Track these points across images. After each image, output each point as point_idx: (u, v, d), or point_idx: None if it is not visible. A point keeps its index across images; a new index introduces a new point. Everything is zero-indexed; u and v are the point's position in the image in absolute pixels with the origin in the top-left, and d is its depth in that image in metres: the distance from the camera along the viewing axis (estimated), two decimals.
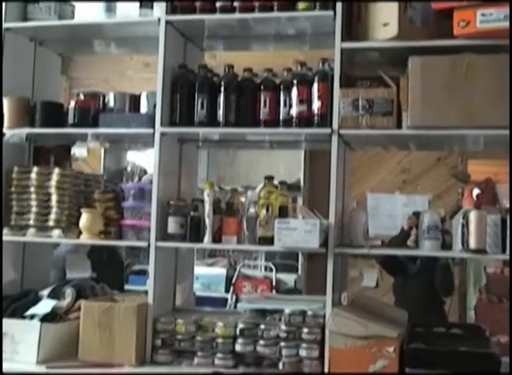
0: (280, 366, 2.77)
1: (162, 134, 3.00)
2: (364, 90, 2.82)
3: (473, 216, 2.69)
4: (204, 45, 3.42)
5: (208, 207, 2.90)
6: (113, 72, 6.47)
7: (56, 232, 3.10)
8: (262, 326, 2.82)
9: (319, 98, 2.86)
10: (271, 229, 2.79)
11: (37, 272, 3.41)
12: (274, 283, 6.09)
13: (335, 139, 2.82)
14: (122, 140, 3.55)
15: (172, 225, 2.94)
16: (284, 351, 2.77)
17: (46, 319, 2.86)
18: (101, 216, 3.10)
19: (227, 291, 6.07)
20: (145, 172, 6.09)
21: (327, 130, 2.83)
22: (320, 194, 3.50)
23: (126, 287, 4.81)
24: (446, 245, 2.82)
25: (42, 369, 2.75)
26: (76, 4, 3.22)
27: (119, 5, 3.13)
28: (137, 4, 3.09)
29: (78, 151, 3.53)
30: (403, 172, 6.49)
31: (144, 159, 6.24)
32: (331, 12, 2.84)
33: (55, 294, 3.02)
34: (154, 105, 3.02)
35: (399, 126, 2.78)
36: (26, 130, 3.16)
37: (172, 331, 2.89)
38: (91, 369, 2.77)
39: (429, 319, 4.13)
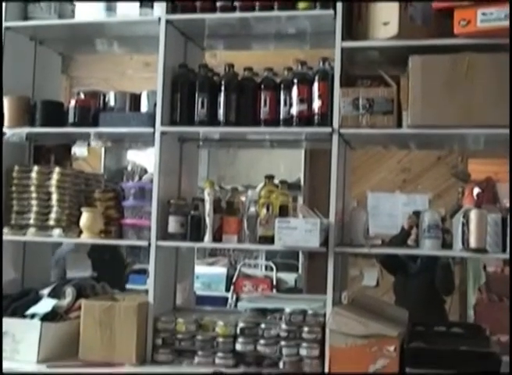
0: (281, 365, 2.77)
1: (163, 133, 3.00)
2: (365, 89, 2.82)
3: (473, 214, 2.69)
4: (205, 44, 3.42)
5: (208, 206, 2.90)
6: (113, 71, 6.48)
7: (57, 231, 3.10)
8: (263, 326, 2.82)
9: (319, 97, 2.86)
10: (271, 228, 2.79)
11: (38, 271, 3.41)
12: (274, 282, 6.09)
13: (335, 138, 2.82)
14: (122, 139, 3.55)
15: (173, 224, 2.95)
16: (284, 351, 2.77)
17: (46, 318, 2.86)
18: (102, 216, 3.10)
19: (227, 290, 6.07)
20: (145, 171, 6.09)
21: (327, 129, 2.83)
22: (320, 193, 3.50)
23: (127, 286, 4.81)
24: (447, 244, 2.82)
25: (43, 368, 2.75)
26: (77, 3, 3.21)
27: (119, 4, 3.13)
28: (138, 3, 3.08)
29: (78, 150, 3.53)
30: (404, 171, 6.50)
31: (145, 158, 6.24)
32: (331, 12, 2.84)
33: (55, 294, 3.03)
34: (155, 105, 3.02)
35: (399, 125, 2.78)
36: (26, 130, 3.16)
37: (173, 330, 2.89)
38: (92, 369, 2.77)
39: (430, 318, 4.13)
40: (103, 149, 6.41)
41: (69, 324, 2.92)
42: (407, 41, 2.75)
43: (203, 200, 2.94)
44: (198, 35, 3.26)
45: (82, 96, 3.25)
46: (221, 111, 2.95)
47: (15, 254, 3.29)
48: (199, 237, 2.92)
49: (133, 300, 3.02)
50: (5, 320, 2.85)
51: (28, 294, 3.09)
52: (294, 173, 6.39)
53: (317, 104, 2.86)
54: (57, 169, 3.15)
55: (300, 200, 6.11)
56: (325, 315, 2.77)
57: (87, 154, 6.27)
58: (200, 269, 5.40)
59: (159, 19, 3.01)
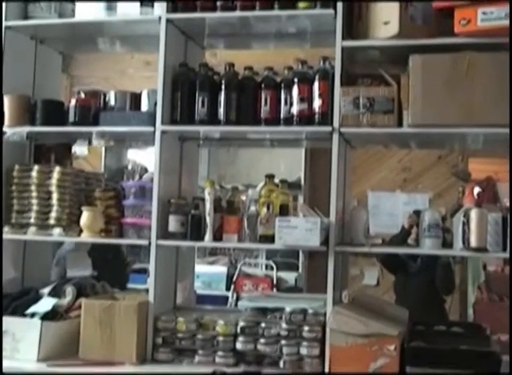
0: (281, 364, 2.77)
1: (163, 132, 3.00)
2: (365, 88, 2.82)
3: (474, 214, 2.68)
4: (205, 44, 3.42)
5: (208, 205, 2.90)
6: (114, 70, 6.48)
7: (57, 230, 3.10)
8: (263, 325, 2.82)
9: (320, 96, 2.86)
10: (271, 227, 2.79)
11: (38, 270, 3.42)
12: (275, 281, 6.09)
13: (335, 137, 2.82)
14: (122, 138, 3.54)
15: (173, 223, 2.95)
16: (285, 350, 2.77)
17: (47, 317, 2.86)
18: (102, 215, 3.10)
19: (228, 289, 6.07)
20: (146, 170, 6.09)
21: (328, 129, 2.83)
22: (321, 192, 3.50)
23: (127, 285, 4.81)
24: (447, 244, 2.82)
25: (43, 367, 2.75)
26: (77, 2, 3.21)
27: (119, 3, 3.13)
28: (138, 2, 3.08)
29: (79, 149, 3.53)
30: (404, 170, 6.50)
31: (145, 158, 6.24)
32: (332, 11, 2.84)
33: (55, 293, 3.03)
34: (155, 104, 3.02)
35: (399, 124, 2.78)
36: (26, 129, 3.16)
37: (173, 329, 2.89)
38: (92, 368, 2.77)
39: (430, 318, 4.13)
40: (103, 148, 6.41)
41: (69, 323, 2.92)
42: (408, 40, 2.75)
43: (203, 199, 2.94)
44: (198, 34, 3.26)
45: (82, 95, 3.24)
46: (221, 110, 2.95)
47: (15, 253, 3.29)
48: (199, 237, 2.92)
49: (133, 299, 3.02)
50: (6, 319, 2.85)
51: (28, 293, 3.09)
52: (295, 172, 6.39)
53: (317, 103, 2.86)
54: (57, 168, 3.15)
55: (301, 199, 6.11)
56: (325, 314, 2.77)
57: (88, 153, 6.27)
58: (200, 268, 5.40)
59: (160, 18, 3.01)
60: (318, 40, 3.21)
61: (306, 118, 2.88)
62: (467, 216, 2.69)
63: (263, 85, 2.95)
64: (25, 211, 3.16)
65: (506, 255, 2.65)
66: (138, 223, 3.05)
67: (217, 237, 2.91)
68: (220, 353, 2.82)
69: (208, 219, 2.89)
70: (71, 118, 3.12)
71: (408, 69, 2.75)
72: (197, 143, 3.40)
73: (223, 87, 2.95)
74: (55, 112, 3.18)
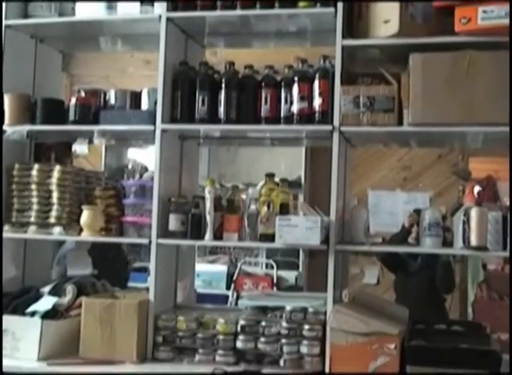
0: (281, 362, 2.77)
1: (163, 131, 3.00)
2: (365, 87, 2.82)
3: (474, 213, 2.68)
4: (205, 42, 3.42)
5: (208, 204, 2.90)
6: (114, 69, 6.48)
7: (57, 229, 3.10)
8: (263, 323, 2.82)
9: (320, 95, 2.86)
10: (272, 226, 2.79)
11: (38, 269, 3.42)
12: (275, 280, 6.09)
13: (336, 136, 2.82)
14: (123, 137, 3.54)
15: (173, 222, 2.95)
16: (285, 348, 2.77)
17: (47, 316, 2.86)
18: (102, 213, 3.10)
19: (228, 288, 6.07)
20: (146, 169, 6.07)
21: (328, 127, 2.83)
22: (321, 191, 3.50)
23: (127, 284, 4.80)
24: (447, 242, 2.82)
25: (43, 366, 2.76)
26: (78, 2, 3.20)
27: (119, 2, 3.13)
28: (138, 1, 3.08)
29: (79, 148, 3.53)
30: (404, 169, 6.49)
31: (145, 156, 6.23)
32: (332, 9, 2.84)
33: (55, 291, 3.03)
34: (155, 102, 3.02)
35: (400, 123, 2.78)
36: (26, 127, 3.16)
37: (173, 328, 2.90)
38: (92, 366, 2.77)
39: (430, 316, 4.14)
40: (103, 147, 6.41)
41: (69, 322, 2.92)
42: (408, 38, 2.75)
43: (203, 198, 2.94)
44: (199, 33, 3.26)
45: (82, 94, 3.25)
46: (221, 109, 2.95)
47: (15, 251, 3.29)
48: (199, 235, 2.92)
49: (133, 298, 3.02)
50: (6, 318, 2.85)
51: (29, 291, 3.09)
52: (295, 170, 6.38)
53: (317, 102, 2.86)
54: (57, 167, 3.15)
55: (301, 198, 6.10)
56: (325, 313, 2.77)
57: (88, 152, 6.25)
58: (200, 267, 5.40)
59: (160, 16, 3.01)
60: (319, 38, 3.21)
61: (306, 117, 2.88)
62: (467, 214, 2.69)
63: (263, 84, 2.95)
64: (25, 210, 3.16)
65: (507, 253, 2.65)
66: (138, 221, 3.05)
67: (217, 235, 2.91)
68: (220, 352, 2.82)
69: (209, 218, 2.89)
70: (71, 117, 3.12)
71: (408, 67, 2.75)
72: (197, 142, 3.41)
73: (223, 85, 2.95)
74: (55, 110, 3.19)
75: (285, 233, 2.74)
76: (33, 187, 3.14)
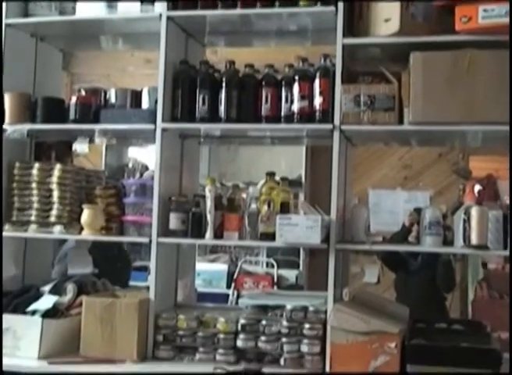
0: (281, 361, 2.77)
1: (164, 130, 3.00)
2: (366, 86, 2.82)
3: (475, 211, 2.68)
4: (206, 41, 3.42)
5: (209, 203, 2.90)
6: (114, 68, 6.47)
7: (58, 228, 3.10)
8: (264, 322, 2.82)
9: (321, 93, 2.85)
10: (272, 225, 2.79)
11: (39, 268, 3.42)
12: (275, 279, 6.09)
13: (336, 135, 2.82)
14: (123, 136, 3.54)
15: (174, 221, 2.95)
16: (285, 347, 2.77)
17: (47, 314, 2.86)
18: (103, 212, 3.10)
19: (228, 287, 6.07)
20: (146, 168, 6.06)
21: (328, 126, 2.82)
22: (321, 190, 3.50)
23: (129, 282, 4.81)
24: (448, 241, 2.82)
25: (44, 364, 2.76)
26: (78, 2, 3.20)
27: (120, 1, 3.12)
28: (139, 0, 3.08)
29: (79, 147, 3.53)
30: (405, 168, 6.49)
31: (146, 155, 6.23)
32: (332, 8, 2.84)
33: (56, 290, 3.03)
34: (156, 101, 3.02)
35: (400, 121, 2.77)
36: (27, 126, 3.16)
37: (174, 327, 2.90)
38: (93, 365, 2.78)
39: (431, 315, 4.13)
40: (104, 146, 6.41)
41: (70, 321, 2.92)
42: (409, 37, 2.75)
43: (204, 197, 2.94)
44: (199, 32, 3.26)
45: (83, 93, 3.25)
46: (222, 108, 2.95)
47: (16, 250, 3.29)
48: (200, 234, 2.92)
49: (134, 297, 3.03)
50: (7, 317, 2.85)
51: (29, 290, 3.09)
52: (295, 169, 6.39)
53: (318, 101, 2.86)
54: (58, 166, 3.15)
55: (302, 197, 6.10)
56: (326, 311, 2.78)
57: (88, 151, 6.25)
58: (201, 265, 5.40)
59: (160, 15, 3.01)
60: (319, 37, 3.21)
61: (307, 115, 2.88)
62: (467, 213, 2.69)
63: (264, 83, 2.94)
64: (26, 208, 3.16)
65: (507, 252, 2.65)
66: (139, 220, 3.05)
67: (218, 234, 2.91)
68: (221, 351, 2.82)
69: (209, 217, 2.89)
70: (71, 115, 3.12)
71: (409, 66, 2.75)
72: (197, 140, 3.41)
73: (224, 84, 2.95)
74: (55, 109, 3.19)
75: (285, 232, 2.74)
76: (34, 185, 3.14)
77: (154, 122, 2.99)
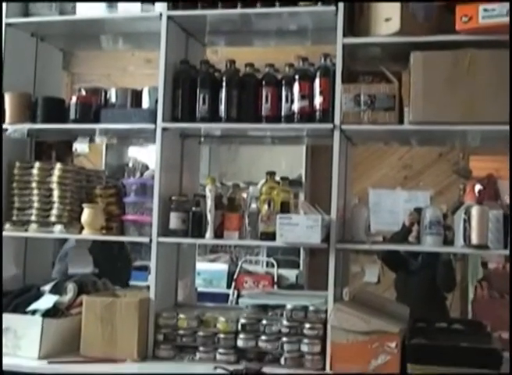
0: (282, 361, 2.77)
1: (164, 130, 3.00)
2: (366, 85, 2.82)
3: (475, 211, 2.68)
4: (206, 41, 3.42)
5: (209, 202, 2.90)
6: (115, 68, 6.47)
7: (58, 227, 3.10)
8: (264, 322, 2.82)
9: (321, 93, 2.85)
10: (272, 224, 2.79)
11: (39, 267, 3.42)
12: (276, 278, 6.09)
13: (337, 134, 2.82)
14: (123, 135, 3.54)
15: (174, 220, 2.95)
16: (286, 347, 2.77)
17: (48, 314, 2.86)
18: (103, 212, 3.10)
19: (229, 286, 6.07)
20: (147, 167, 6.06)
21: (329, 126, 2.82)
22: (322, 189, 3.50)
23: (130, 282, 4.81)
24: (448, 241, 2.82)
25: (44, 364, 2.76)
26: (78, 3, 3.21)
27: (120, 1, 3.12)
28: (139, 0, 3.08)
29: (79, 146, 3.53)
30: (405, 168, 6.49)
31: (146, 155, 6.22)
32: (333, 8, 2.84)
33: (56, 290, 3.03)
34: (156, 101, 3.02)
35: (401, 121, 2.77)
36: (27, 126, 3.16)
37: (174, 326, 2.90)
38: (93, 365, 2.78)
39: (431, 315, 4.13)
40: (104, 146, 6.41)
41: (70, 320, 2.92)
42: (409, 37, 2.75)
43: (204, 196, 2.94)
44: (199, 31, 3.26)
45: (83, 92, 3.25)
46: (222, 107, 2.95)
47: (16, 250, 3.29)
48: (200, 234, 2.92)
49: (134, 296, 3.03)
50: (7, 316, 2.86)
51: (30, 290, 3.09)
52: (295, 169, 6.38)
53: (318, 100, 2.86)
54: (58, 166, 3.15)
55: (302, 196, 6.10)
56: (326, 311, 2.78)
57: (88, 150, 6.25)
58: (201, 265, 5.40)
59: (160, 15, 3.01)
60: (319, 37, 3.21)
61: (307, 115, 2.88)
62: (468, 213, 2.69)
63: (264, 82, 2.95)
64: (26, 208, 3.16)
65: (507, 252, 2.65)
66: (139, 220, 3.05)
67: (218, 234, 2.91)
68: (221, 350, 2.82)
69: (209, 217, 2.90)
70: (72, 115, 3.12)
71: (409, 66, 2.74)
72: (198, 140, 3.40)
73: (224, 84, 2.95)
74: (55, 109, 3.19)
75: (285, 231, 2.74)
76: (34, 185, 3.15)
77: (155, 121, 2.99)
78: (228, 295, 5.91)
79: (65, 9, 3.22)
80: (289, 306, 2.82)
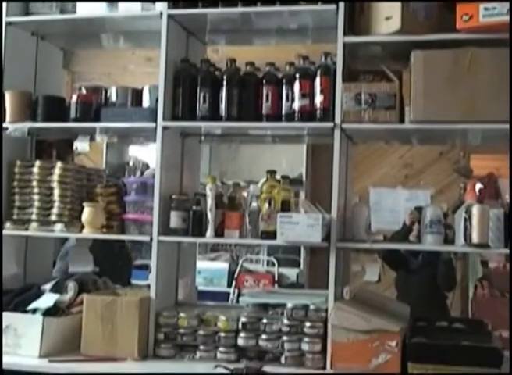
0: (282, 360, 2.77)
1: (164, 128, 3.00)
2: (367, 84, 2.81)
3: (476, 210, 2.68)
4: (207, 39, 3.42)
5: (210, 201, 2.90)
6: (115, 66, 6.47)
7: (58, 226, 3.10)
8: (264, 321, 2.82)
9: (322, 92, 2.85)
10: (273, 223, 2.79)
11: (40, 266, 3.42)
12: (276, 277, 6.09)
13: (337, 133, 2.82)
14: (124, 134, 3.54)
15: (175, 219, 2.95)
16: (286, 345, 2.77)
17: (48, 313, 2.86)
18: (104, 210, 3.10)
19: (229, 285, 6.07)
20: (147, 166, 6.06)
21: (329, 125, 2.82)
22: (322, 188, 3.50)
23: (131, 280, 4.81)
24: (449, 240, 2.82)
25: (44, 362, 2.76)
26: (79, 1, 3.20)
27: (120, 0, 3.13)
28: None
29: (80, 145, 3.53)
30: (406, 166, 6.49)
31: (146, 154, 6.22)
32: (333, 6, 2.84)
33: (57, 288, 3.03)
34: (157, 100, 3.02)
35: (401, 120, 2.77)
36: (28, 124, 3.16)
37: (175, 325, 2.90)
38: (94, 363, 2.78)
39: (431, 314, 4.13)
40: (105, 144, 6.40)
41: (71, 319, 2.92)
42: (410, 36, 2.75)
43: (205, 195, 2.94)
44: (200, 30, 3.26)
45: (84, 91, 3.25)
46: (223, 106, 2.95)
47: (17, 249, 3.30)
48: (201, 233, 2.92)
49: (134, 295, 3.03)
50: (8, 315, 2.86)
51: (30, 288, 3.09)
52: (296, 168, 6.38)
53: (319, 99, 2.86)
54: (59, 164, 3.15)
55: (302, 195, 6.10)
56: (326, 310, 2.77)
57: (89, 149, 6.25)
58: (202, 264, 5.39)
59: (161, 13, 3.01)
60: (320, 36, 3.21)
61: (307, 114, 2.88)
62: (468, 212, 2.69)
63: (264, 81, 2.94)
64: (26, 207, 3.16)
65: (508, 251, 2.65)
66: (140, 219, 3.05)
67: (218, 233, 2.91)
68: (222, 349, 2.82)
69: (210, 215, 2.90)
70: (72, 114, 3.12)
71: (410, 64, 2.74)
72: (198, 139, 3.40)
73: (225, 82, 2.95)
74: (56, 108, 3.19)
75: (286, 230, 2.74)
76: (35, 184, 3.15)
77: (155, 120, 2.99)
78: (228, 294, 5.92)
79: (65, 8, 3.22)
80: (289, 305, 2.82)
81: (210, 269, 6.07)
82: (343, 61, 2.82)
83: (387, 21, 2.77)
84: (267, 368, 2.71)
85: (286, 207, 2.88)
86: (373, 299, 2.96)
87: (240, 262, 6.23)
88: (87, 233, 3.08)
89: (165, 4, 3.00)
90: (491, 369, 2.53)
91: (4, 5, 3.19)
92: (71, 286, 3.01)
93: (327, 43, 3.00)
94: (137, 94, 3.17)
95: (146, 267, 4.89)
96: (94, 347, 2.86)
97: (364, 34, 2.85)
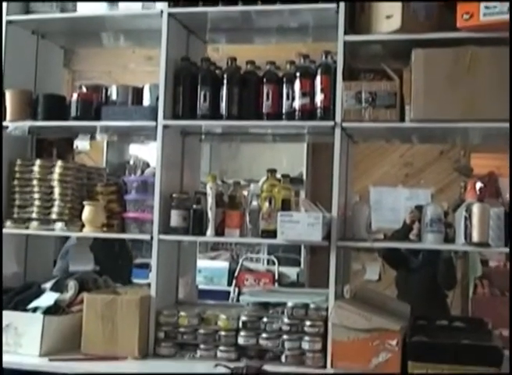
0: (283, 358, 2.77)
1: (165, 127, 2.99)
2: (367, 83, 2.81)
3: (476, 208, 2.68)
4: (207, 38, 3.42)
5: (210, 200, 2.90)
6: (115, 65, 6.47)
7: (59, 225, 3.10)
8: (265, 319, 2.82)
9: (322, 90, 2.85)
10: (273, 222, 2.79)
11: (40, 264, 3.42)
12: (276, 276, 6.09)
13: (338, 132, 2.82)
14: (124, 133, 3.54)
15: (175, 218, 2.95)
16: (287, 344, 2.77)
17: (49, 311, 2.86)
18: (104, 209, 3.10)
19: (230, 284, 6.08)
20: (148, 165, 6.06)
21: (330, 123, 2.82)
22: (323, 187, 3.50)
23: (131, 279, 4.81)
24: (449, 239, 2.82)
25: (45, 361, 2.76)
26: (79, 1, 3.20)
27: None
28: None
29: (81, 144, 3.53)
30: (406, 165, 6.49)
31: (147, 152, 6.21)
32: (334, 5, 2.83)
33: (57, 287, 3.03)
34: (157, 98, 3.02)
35: (402, 119, 2.77)
36: (28, 123, 3.16)
37: (175, 324, 2.90)
38: (94, 362, 2.78)
39: (432, 312, 4.12)
40: (105, 143, 6.40)
41: (71, 318, 2.92)
42: (410, 34, 2.75)
43: (205, 194, 2.94)
44: (200, 28, 3.26)
45: (84, 90, 3.25)
46: (223, 104, 2.95)
47: (17, 247, 3.30)
48: (201, 231, 2.92)
49: (135, 293, 3.03)
50: (8, 313, 2.86)
51: (31, 287, 3.09)
52: (296, 166, 6.38)
53: (319, 97, 2.85)
54: (59, 163, 3.15)
55: (303, 194, 6.09)
56: (327, 309, 2.77)
57: (89, 148, 6.25)
58: (202, 263, 5.39)
59: (161, 12, 3.01)
60: (321, 34, 3.20)
61: (308, 112, 2.88)
62: (469, 210, 2.69)
63: (265, 80, 2.94)
64: (27, 205, 3.16)
65: (508, 249, 2.65)
66: (140, 217, 3.05)
67: (219, 231, 2.91)
68: (222, 348, 2.82)
69: (210, 214, 2.89)
70: (73, 112, 3.12)
71: (410, 63, 2.74)
72: (199, 138, 3.40)
73: (225, 81, 2.95)
74: (56, 106, 3.19)
75: (286, 229, 2.74)
76: (35, 182, 3.15)
77: (156, 119, 2.99)
78: (229, 293, 5.92)
79: (66, 7, 3.22)
80: (289, 304, 2.82)
81: (210, 268, 6.07)
82: (343, 59, 2.82)
83: (388, 20, 2.76)
84: (267, 367, 2.71)
85: (286, 206, 2.88)
86: (373, 298, 2.96)
87: (241, 260, 6.23)
88: (88, 231, 3.09)
89: (166, 2, 3.00)
90: (491, 368, 2.53)
91: (4, 3, 3.20)
92: (71, 285, 3.01)
93: (327, 42, 3.00)
94: (138, 93, 3.17)
95: (146, 266, 4.89)
96: (94, 346, 2.86)
97: (364, 33, 2.85)
